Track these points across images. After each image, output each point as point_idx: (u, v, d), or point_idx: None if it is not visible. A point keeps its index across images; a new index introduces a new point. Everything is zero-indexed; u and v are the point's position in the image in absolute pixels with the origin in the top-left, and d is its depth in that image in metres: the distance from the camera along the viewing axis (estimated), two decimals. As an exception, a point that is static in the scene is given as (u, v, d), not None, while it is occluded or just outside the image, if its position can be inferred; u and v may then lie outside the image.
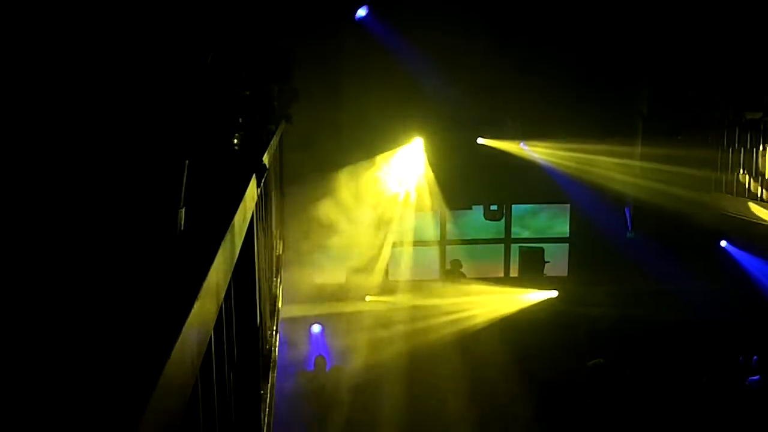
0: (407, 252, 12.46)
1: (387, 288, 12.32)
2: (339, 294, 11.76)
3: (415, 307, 12.14)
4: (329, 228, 11.05)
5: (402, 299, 12.21)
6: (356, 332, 11.65)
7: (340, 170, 11.36)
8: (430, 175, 12.24)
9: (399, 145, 12.06)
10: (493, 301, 12.32)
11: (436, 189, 12.25)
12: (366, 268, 11.94)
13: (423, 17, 11.00)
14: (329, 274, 11.52)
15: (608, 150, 11.43)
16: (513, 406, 10.39)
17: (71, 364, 1.24)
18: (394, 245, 12.47)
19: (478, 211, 13.16)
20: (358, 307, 11.87)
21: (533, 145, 12.17)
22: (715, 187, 10.20)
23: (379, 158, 11.97)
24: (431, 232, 12.89)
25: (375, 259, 12.01)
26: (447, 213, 13.05)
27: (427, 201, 12.32)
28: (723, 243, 11.90)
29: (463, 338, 11.66)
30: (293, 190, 9.86)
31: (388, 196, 12.18)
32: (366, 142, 11.61)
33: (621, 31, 11.11)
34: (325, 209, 11.00)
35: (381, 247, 12.05)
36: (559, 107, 11.42)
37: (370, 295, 12.16)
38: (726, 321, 10.97)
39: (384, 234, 12.04)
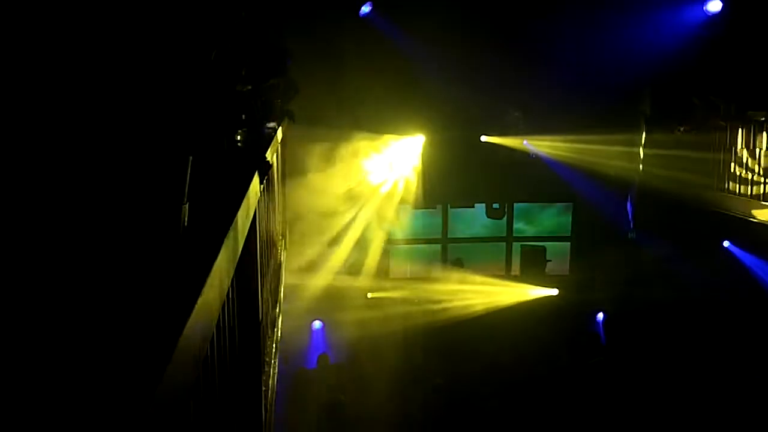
0: (377, 248, 12.37)
1: (387, 283, 12.36)
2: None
3: (415, 302, 12.20)
4: (319, 215, 11.03)
5: (403, 294, 12.24)
6: (355, 326, 11.67)
7: (336, 166, 11.38)
8: (420, 171, 12.20)
9: (401, 137, 12.07)
10: (494, 294, 12.37)
11: (421, 186, 12.20)
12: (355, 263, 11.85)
13: (426, 15, 10.98)
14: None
15: (611, 139, 11.43)
16: (511, 402, 10.41)
17: (73, 363, 1.25)
18: (391, 242, 12.50)
19: (479, 209, 13.18)
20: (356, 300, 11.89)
21: (537, 140, 12.15)
22: (717, 187, 10.19)
23: (374, 150, 11.95)
24: (410, 228, 12.83)
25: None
26: (446, 210, 13.08)
27: (410, 196, 12.27)
28: (726, 243, 11.87)
29: (463, 333, 11.67)
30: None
31: (372, 186, 12.13)
32: (367, 138, 11.65)
33: (623, 33, 11.09)
34: (318, 198, 11.00)
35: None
36: (563, 105, 11.42)
37: (371, 292, 12.18)
38: (730, 321, 10.95)
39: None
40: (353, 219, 11.79)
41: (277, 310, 5.57)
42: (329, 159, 11.10)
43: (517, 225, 13.59)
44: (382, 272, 12.43)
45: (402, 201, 12.34)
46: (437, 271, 13.00)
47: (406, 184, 12.33)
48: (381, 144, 11.98)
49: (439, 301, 12.30)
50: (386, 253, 12.58)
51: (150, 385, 1.20)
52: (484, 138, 12.35)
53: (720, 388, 10.11)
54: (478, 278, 12.52)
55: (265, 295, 4.36)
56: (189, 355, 1.53)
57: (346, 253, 11.81)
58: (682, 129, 10.50)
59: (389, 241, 12.62)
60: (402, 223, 12.60)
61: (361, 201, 11.88)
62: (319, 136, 10.77)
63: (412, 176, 12.31)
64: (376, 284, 12.22)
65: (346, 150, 11.40)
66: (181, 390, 1.45)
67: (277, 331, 5.19)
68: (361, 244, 12.05)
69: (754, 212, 9.14)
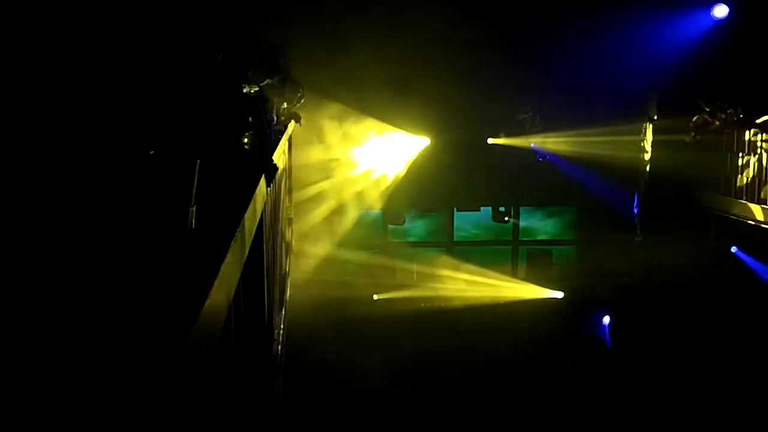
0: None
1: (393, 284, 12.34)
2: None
3: (421, 304, 12.20)
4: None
5: (408, 294, 12.22)
6: (361, 327, 11.64)
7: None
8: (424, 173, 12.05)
9: (406, 132, 12.02)
10: (501, 290, 12.39)
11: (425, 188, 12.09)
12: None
13: (432, 16, 10.95)
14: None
15: (618, 142, 11.40)
16: (515, 404, 10.40)
17: (81, 361, 1.26)
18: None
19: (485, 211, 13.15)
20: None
21: (544, 139, 12.06)
22: (723, 191, 10.17)
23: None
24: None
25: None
26: (452, 213, 13.03)
27: (413, 197, 12.11)
28: (733, 249, 11.80)
29: (468, 335, 11.65)
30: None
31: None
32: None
33: (630, 37, 11.07)
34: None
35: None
36: (569, 107, 11.42)
37: (377, 294, 12.15)
38: (738, 327, 10.88)
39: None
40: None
41: (284, 310, 5.58)
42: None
43: (534, 220, 13.54)
44: (388, 274, 12.41)
45: (405, 203, 12.28)
46: (443, 272, 12.97)
47: (410, 184, 12.17)
48: (385, 136, 11.89)
49: (446, 302, 12.31)
50: (391, 255, 12.57)
51: (158, 387, 1.21)
52: (490, 140, 12.32)
53: (726, 392, 10.06)
54: (485, 276, 12.51)
55: (271, 296, 4.37)
56: (197, 357, 1.54)
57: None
58: (692, 136, 10.43)
59: (395, 244, 12.61)
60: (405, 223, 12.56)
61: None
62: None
63: (415, 177, 12.18)
64: (382, 286, 12.19)
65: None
66: (189, 392, 1.46)
67: (284, 333, 5.21)
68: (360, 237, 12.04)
69: (759, 216, 9.11)
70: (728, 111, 9.71)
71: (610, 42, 10.90)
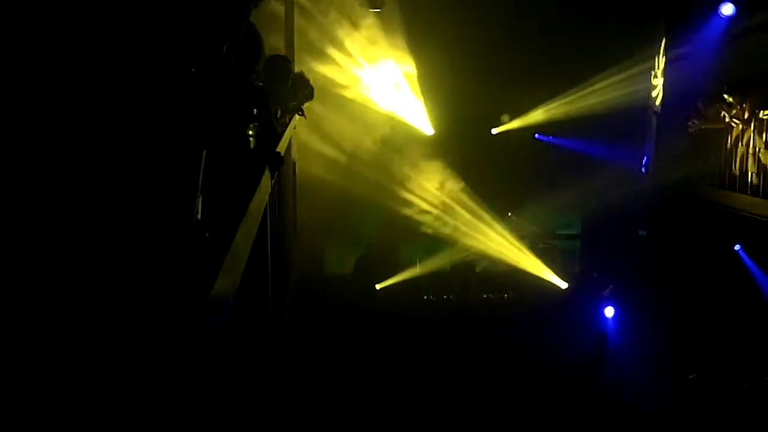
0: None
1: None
2: None
3: (424, 293, 12.23)
4: None
5: (413, 275, 12.23)
6: (364, 318, 11.64)
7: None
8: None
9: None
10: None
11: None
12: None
13: (436, 8, 10.87)
14: None
15: (623, 138, 11.33)
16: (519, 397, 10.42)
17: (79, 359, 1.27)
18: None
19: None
20: None
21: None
22: (729, 186, 10.13)
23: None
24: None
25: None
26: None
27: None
28: (736, 247, 11.68)
29: (473, 326, 11.66)
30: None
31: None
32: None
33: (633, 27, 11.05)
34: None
35: None
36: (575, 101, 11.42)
37: (379, 283, 12.14)
38: (744, 327, 10.81)
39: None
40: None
41: (288, 301, 5.60)
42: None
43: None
44: (393, 264, 12.39)
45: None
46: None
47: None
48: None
49: (449, 292, 12.33)
50: (396, 245, 12.55)
51: (165, 382, 1.22)
52: (495, 130, 12.24)
53: (731, 394, 10.01)
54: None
55: (275, 287, 4.38)
56: (202, 348, 1.55)
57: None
58: (694, 122, 10.41)
59: (398, 238, 12.59)
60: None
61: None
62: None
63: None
64: (387, 275, 12.18)
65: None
66: (195, 387, 1.47)
67: (288, 320, 5.22)
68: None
69: (762, 212, 9.09)
70: (737, 106, 9.69)
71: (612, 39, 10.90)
